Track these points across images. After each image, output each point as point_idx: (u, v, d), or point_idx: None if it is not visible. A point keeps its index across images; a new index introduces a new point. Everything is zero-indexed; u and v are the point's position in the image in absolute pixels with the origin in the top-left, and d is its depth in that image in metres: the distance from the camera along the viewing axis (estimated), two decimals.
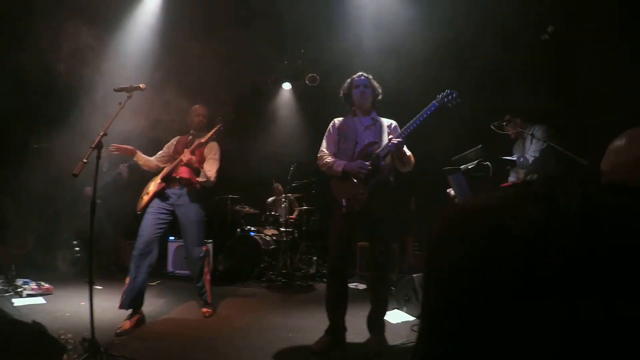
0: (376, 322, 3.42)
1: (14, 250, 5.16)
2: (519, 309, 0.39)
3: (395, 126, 3.49)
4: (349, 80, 3.54)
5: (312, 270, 6.64)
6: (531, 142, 4.08)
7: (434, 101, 3.21)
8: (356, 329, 3.56)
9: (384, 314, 3.45)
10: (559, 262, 0.38)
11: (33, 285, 4.73)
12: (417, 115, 3.16)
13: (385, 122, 3.50)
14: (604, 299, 0.37)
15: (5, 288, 4.67)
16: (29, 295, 4.60)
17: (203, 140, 4.06)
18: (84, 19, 4.83)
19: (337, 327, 3.42)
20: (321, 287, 5.77)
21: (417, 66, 5.23)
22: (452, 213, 0.49)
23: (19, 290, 4.62)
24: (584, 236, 0.39)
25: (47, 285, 4.82)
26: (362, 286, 5.71)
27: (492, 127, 3.51)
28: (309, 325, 3.92)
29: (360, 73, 3.52)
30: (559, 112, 4.24)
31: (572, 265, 0.38)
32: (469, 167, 3.13)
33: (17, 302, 4.40)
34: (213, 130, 4.09)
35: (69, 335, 2.61)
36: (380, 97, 3.54)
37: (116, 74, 4.92)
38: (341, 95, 3.58)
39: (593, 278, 0.37)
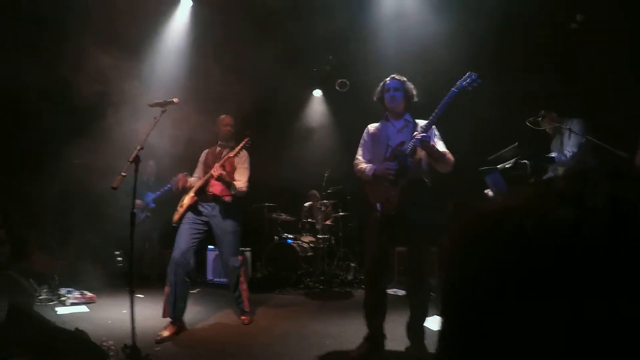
0: (416, 329, 3.32)
1: (58, 261, 5.39)
2: (544, 313, 0.37)
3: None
4: (381, 83, 3.47)
5: (349, 277, 6.57)
6: (569, 137, 3.87)
7: (452, 88, 3.08)
8: (395, 336, 3.47)
9: (423, 321, 3.34)
10: (590, 265, 0.36)
11: (76, 294, 4.92)
12: (438, 106, 3.06)
13: (420, 122, 3.41)
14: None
15: (49, 297, 4.85)
16: (72, 304, 4.78)
17: (232, 154, 4.11)
18: (116, 39, 5.05)
19: (375, 334, 3.35)
20: (359, 293, 5.69)
21: (445, 65, 5.12)
22: (471, 218, 0.47)
23: (62, 299, 4.80)
24: (615, 238, 0.36)
25: (90, 294, 5.00)
26: (401, 292, 5.58)
27: (528, 124, 3.35)
28: (347, 332, 3.87)
29: (393, 76, 3.42)
30: (593, 104, 4.02)
31: (605, 268, 0.36)
32: (506, 166, 3.00)
33: (61, 310, 4.56)
34: (242, 144, 4.11)
35: (111, 342, 2.69)
36: (415, 99, 3.44)
37: (150, 90, 5.11)
38: (375, 99, 3.53)
39: (625, 280, 0.35)
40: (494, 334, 0.39)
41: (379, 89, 3.47)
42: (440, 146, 3.29)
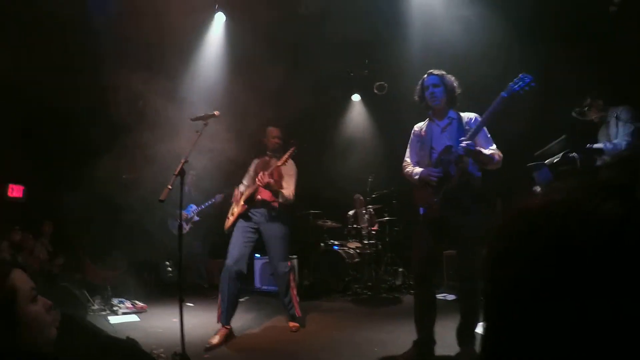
0: (466, 335, 3.18)
1: (111, 273, 5.66)
2: (586, 315, 0.35)
3: (475, 119, 3.23)
4: (420, 81, 3.36)
5: (398, 282, 6.44)
6: (617, 126, 3.58)
7: (502, 92, 2.91)
8: (445, 341, 3.34)
9: (474, 326, 3.19)
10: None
11: (128, 304, 5.14)
12: (485, 113, 2.91)
13: (465, 117, 3.27)
14: None
15: (102, 307, 5.08)
16: (124, 314, 4.97)
17: (279, 163, 4.18)
18: (156, 57, 5.29)
19: (425, 340, 3.24)
20: (408, 299, 5.56)
21: (483, 61, 4.95)
22: (511, 217, 0.45)
23: (114, 309, 5.02)
24: None
25: (141, 304, 5.21)
26: (451, 297, 5.42)
27: (574, 115, 3.14)
28: (396, 338, 3.77)
29: (430, 71, 3.29)
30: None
31: None
32: (554, 160, 2.82)
33: (113, 320, 4.75)
34: (288, 153, 4.19)
35: (161, 350, 2.77)
36: (457, 92, 3.26)
37: (190, 105, 5.30)
38: (416, 99, 3.43)
39: None
40: (534, 336, 0.38)
41: (418, 87, 3.36)
42: (487, 144, 3.15)
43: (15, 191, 6.15)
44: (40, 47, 4.95)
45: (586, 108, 3.65)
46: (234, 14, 6.32)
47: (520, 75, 2.89)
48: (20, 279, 1.19)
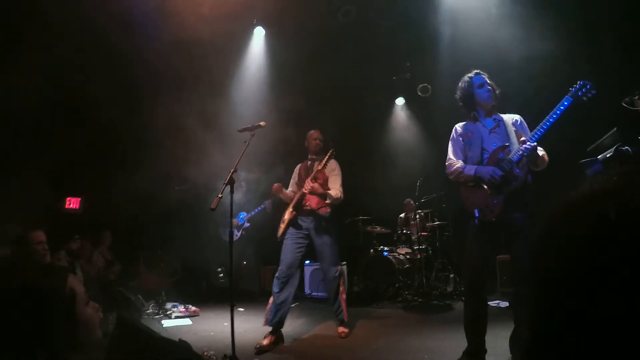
0: (520, 343, 3.04)
1: (165, 279, 5.92)
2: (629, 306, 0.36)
3: (520, 121, 3.17)
4: (465, 80, 3.26)
5: (449, 289, 6.27)
6: None
7: (567, 96, 2.83)
8: (498, 350, 3.22)
9: None
10: None
11: (181, 308, 5.35)
12: (550, 113, 2.82)
13: (509, 119, 3.18)
14: None
15: (156, 311, 5.32)
16: (177, 317, 5.18)
17: (320, 166, 4.23)
18: (204, 73, 5.53)
19: (476, 349, 3.13)
20: (459, 306, 5.37)
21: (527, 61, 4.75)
22: (555, 209, 0.46)
23: (168, 312, 5.24)
24: None
25: (193, 308, 5.41)
26: (504, 304, 5.19)
27: (624, 104, 2.94)
28: (447, 347, 3.67)
29: (476, 71, 3.24)
30: None
31: None
32: (607, 155, 2.65)
33: (166, 323, 4.96)
34: (328, 155, 4.23)
35: (212, 352, 2.88)
36: (498, 93, 3.23)
37: (236, 116, 5.49)
38: (458, 98, 3.35)
39: None
40: (580, 327, 0.38)
41: (463, 86, 3.26)
42: (538, 148, 3.04)
43: (72, 203, 6.62)
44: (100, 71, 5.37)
45: (637, 97, 3.39)
46: (272, 27, 6.50)
47: (580, 82, 2.83)
48: (76, 283, 1.30)
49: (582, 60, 4.38)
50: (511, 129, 3.12)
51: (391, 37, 5.90)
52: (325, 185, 4.30)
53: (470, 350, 3.14)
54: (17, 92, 4.83)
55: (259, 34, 6.74)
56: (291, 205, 4.33)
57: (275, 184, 4.35)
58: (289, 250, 4.20)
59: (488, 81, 3.20)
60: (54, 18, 4.72)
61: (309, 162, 4.56)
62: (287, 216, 4.33)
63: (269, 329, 4.05)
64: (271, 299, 4.11)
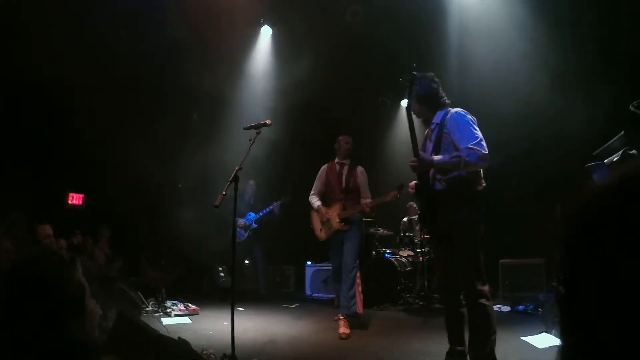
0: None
1: (166, 276, 5.89)
2: None
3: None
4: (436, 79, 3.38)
5: None
6: None
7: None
8: (499, 354, 3.17)
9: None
10: None
11: (181, 306, 5.33)
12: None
13: None
14: None
15: (155, 309, 5.28)
16: (176, 315, 5.13)
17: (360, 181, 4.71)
18: (210, 72, 5.55)
19: (456, 351, 3.14)
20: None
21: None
22: (570, 207, 0.47)
23: (167, 310, 5.20)
24: None
25: (194, 307, 5.38)
26: (505, 308, 5.20)
27: (632, 109, 2.90)
28: (446, 349, 3.63)
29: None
30: None
31: None
32: (614, 159, 2.62)
33: (166, 321, 4.90)
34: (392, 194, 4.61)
35: (211, 351, 2.86)
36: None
37: (242, 114, 5.49)
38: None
39: None
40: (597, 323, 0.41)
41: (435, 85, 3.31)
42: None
43: (75, 199, 6.62)
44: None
45: None
46: (279, 26, 6.50)
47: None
48: (81, 276, 1.29)
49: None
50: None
51: (398, 37, 5.87)
52: (364, 191, 4.70)
53: (450, 352, 3.18)
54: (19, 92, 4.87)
55: (266, 33, 6.72)
56: (340, 219, 4.54)
57: (322, 207, 4.62)
58: (337, 255, 4.59)
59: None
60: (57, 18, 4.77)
61: (337, 166, 4.73)
62: (334, 225, 4.56)
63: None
64: (336, 301, 4.54)
